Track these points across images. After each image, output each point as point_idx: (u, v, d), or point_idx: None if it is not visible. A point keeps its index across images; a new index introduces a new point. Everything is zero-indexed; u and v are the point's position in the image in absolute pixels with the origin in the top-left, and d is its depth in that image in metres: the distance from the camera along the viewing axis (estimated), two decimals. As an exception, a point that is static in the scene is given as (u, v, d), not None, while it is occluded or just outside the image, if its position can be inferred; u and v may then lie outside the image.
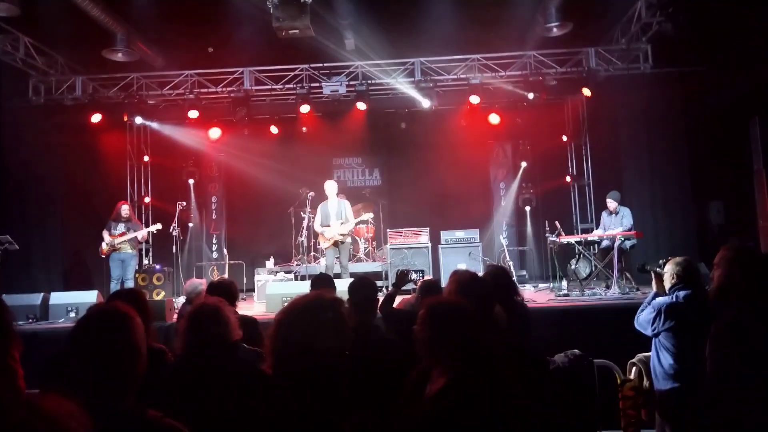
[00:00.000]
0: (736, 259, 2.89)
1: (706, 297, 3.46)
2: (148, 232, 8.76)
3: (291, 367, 1.82)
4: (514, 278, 8.61)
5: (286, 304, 2.01)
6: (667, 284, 3.59)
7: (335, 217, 7.89)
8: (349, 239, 8.11)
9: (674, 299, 3.50)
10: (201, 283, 4.99)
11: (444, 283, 4.54)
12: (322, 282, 4.20)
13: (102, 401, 1.63)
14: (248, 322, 3.71)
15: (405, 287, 4.63)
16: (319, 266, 8.95)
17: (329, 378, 1.82)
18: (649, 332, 3.56)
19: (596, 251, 8.23)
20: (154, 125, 10.56)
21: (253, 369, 2.74)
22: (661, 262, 3.79)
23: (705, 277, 6.42)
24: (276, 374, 1.86)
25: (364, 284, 3.47)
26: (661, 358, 3.51)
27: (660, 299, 3.62)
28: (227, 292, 3.70)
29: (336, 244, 7.88)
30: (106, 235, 8.08)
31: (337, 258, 8.01)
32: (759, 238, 8.73)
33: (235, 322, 2.76)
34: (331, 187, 8.05)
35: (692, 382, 3.30)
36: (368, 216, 8.45)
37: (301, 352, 1.82)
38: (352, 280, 4.28)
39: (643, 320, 3.60)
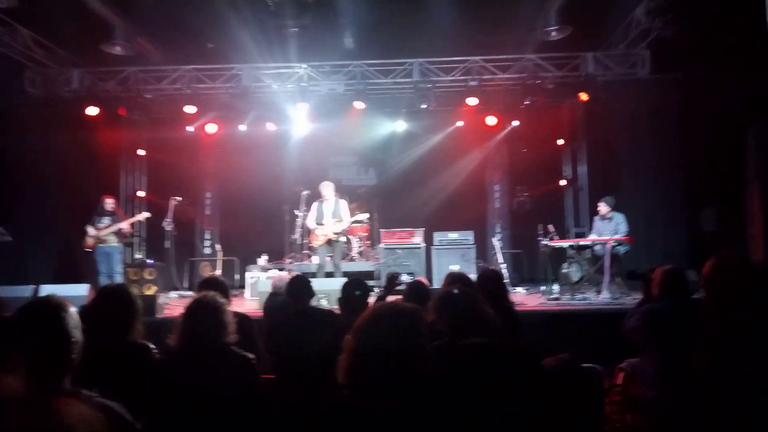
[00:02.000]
0: (723, 267, 2.92)
1: (692, 305, 3.48)
2: (134, 222, 8.69)
3: (372, 373, 1.76)
4: (507, 281, 8.64)
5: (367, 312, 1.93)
6: (655, 291, 3.62)
7: (330, 215, 7.89)
8: (343, 238, 8.11)
9: (660, 306, 3.51)
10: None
11: (436, 284, 4.58)
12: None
13: (38, 384, 1.73)
14: (241, 318, 3.70)
15: (396, 289, 4.64)
16: (312, 264, 8.95)
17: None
18: (635, 338, 3.59)
19: (589, 256, 8.26)
20: (150, 119, 10.55)
21: (246, 372, 2.73)
22: (649, 268, 3.82)
23: (695, 284, 6.46)
24: (352, 381, 1.79)
25: (356, 286, 3.48)
26: (646, 364, 3.53)
27: (646, 306, 3.65)
28: (220, 289, 3.68)
29: (329, 242, 7.88)
30: (90, 229, 8.04)
31: (330, 256, 8.01)
32: (749, 246, 8.76)
33: (232, 325, 2.76)
34: (328, 187, 8.06)
35: (676, 389, 3.31)
36: (364, 216, 8.45)
37: (386, 359, 1.76)
38: (345, 280, 4.27)
39: (630, 326, 3.63)
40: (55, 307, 1.93)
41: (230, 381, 2.66)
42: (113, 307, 2.74)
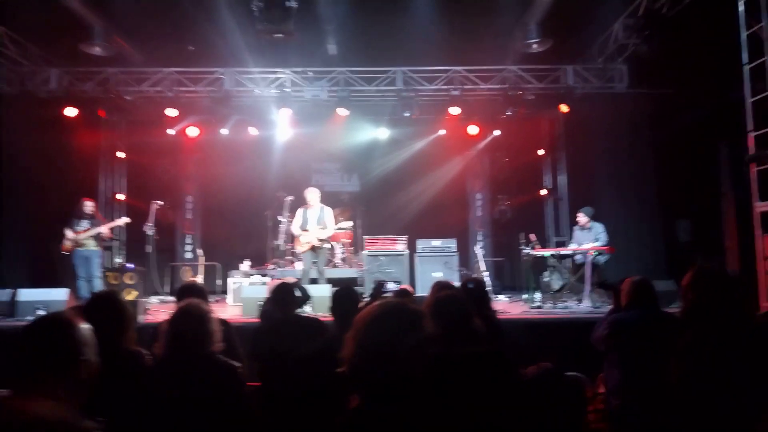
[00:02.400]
0: (701, 279, 2.99)
1: (659, 316, 3.56)
2: (113, 227, 8.56)
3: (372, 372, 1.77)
4: (489, 289, 8.72)
5: (369, 308, 1.90)
6: (623, 301, 3.69)
7: (315, 222, 7.88)
8: (327, 245, 8.10)
9: (626, 317, 3.59)
10: None
11: (419, 291, 4.61)
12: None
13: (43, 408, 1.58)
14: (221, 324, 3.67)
15: (382, 296, 4.66)
16: (295, 270, 8.91)
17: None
18: (601, 347, 3.66)
19: (570, 265, 8.39)
20: (130, 121, 10.42)
21: (232, 380, 2.72)
22: (620, 279, 3.91)
23: (668, 294, 6.61)
24: (354, 377, 1.81)
25: (348, 293, 3.49)
26: (611, 373, 3.59)
27: (612, 316, 3.74)
28: (199, 295, 3.65)
29: (314, 248, 7.87)
30: (69, 232, 7.88)
31: (314, 263, 8.00)
32: (725, 257, 9.01)
33: (217, 333, 2.75)
34: (313, 194, 8.04)
35: (637, 398, 3.41)
36: (348, 224, 8.46)
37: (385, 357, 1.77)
38: (335, 288, 4.25)
39: (597, 336, 3.70)
40: (64, 323, 1.80)
41: (215, 389, 2.65)
42: (106, 313, 2.71)
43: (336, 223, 8.18)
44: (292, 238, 8.57)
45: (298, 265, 8.80)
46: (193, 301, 2.89)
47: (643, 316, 3.50)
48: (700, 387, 2.85)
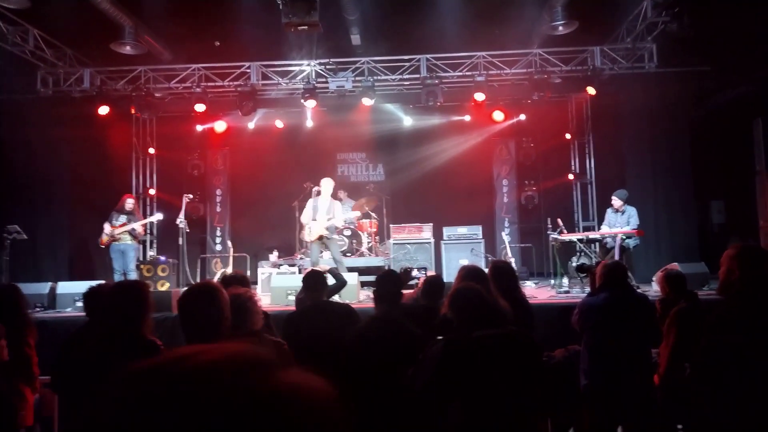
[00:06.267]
0: (736, 255, 2.94)
1: (628, 298, 3.58)
2: (149, 223, 8.79)
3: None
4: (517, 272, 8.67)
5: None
6: (597, 284, 3.73)
7: (324, 212, 7.87)
8: (335, 236, 8.09)
9: (594, 300, 3.63)
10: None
11: (446, 278, 4.66)
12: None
13: None
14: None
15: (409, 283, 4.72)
16: (323, 260, 9.00)
17: None
18: (578, 329, 3.69)
19: (597, 249, 8.29)
20: (160, 118, 10.68)
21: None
22: (597, 262, 3.93)
23: (700, 276, 6.47)
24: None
25: (390, 277, 3.56)
26: (583, 354, 3.63)
27: (583, 299, 3.79)
28: (241, 285, 3.74)
29: (321, 238, 7.85)
30: (107, 226, 8.12)
31: (322, 253, 8.02)
32: (759, 238, 8.78)
33: (257, 313, 2.85)
34: (327, 184, 8.05)
35: (601, 380, 3.47)
36: (354, 215, 8.36)
37: None
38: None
39: (572, 319, 3.72)
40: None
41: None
42: (128, 302, 2.79)
43: (362, 213, 8.21)
44: (301, 228, 8.58)
45: (326, 255, 8.89)
46: (199, 283, 3.01)
47: (611, 298, 3.53)
48: (728, 363, 2.79)
